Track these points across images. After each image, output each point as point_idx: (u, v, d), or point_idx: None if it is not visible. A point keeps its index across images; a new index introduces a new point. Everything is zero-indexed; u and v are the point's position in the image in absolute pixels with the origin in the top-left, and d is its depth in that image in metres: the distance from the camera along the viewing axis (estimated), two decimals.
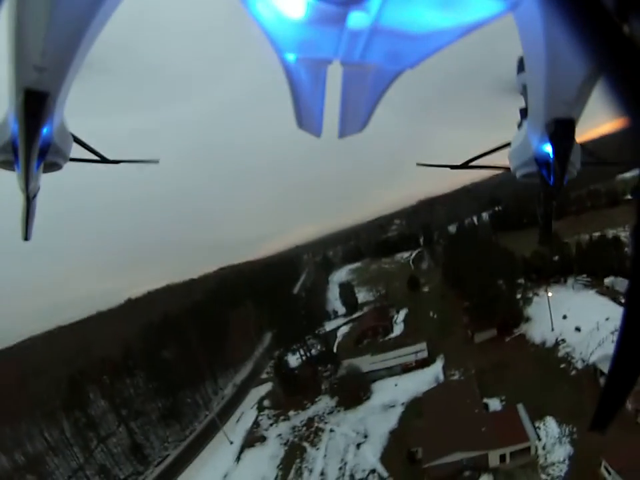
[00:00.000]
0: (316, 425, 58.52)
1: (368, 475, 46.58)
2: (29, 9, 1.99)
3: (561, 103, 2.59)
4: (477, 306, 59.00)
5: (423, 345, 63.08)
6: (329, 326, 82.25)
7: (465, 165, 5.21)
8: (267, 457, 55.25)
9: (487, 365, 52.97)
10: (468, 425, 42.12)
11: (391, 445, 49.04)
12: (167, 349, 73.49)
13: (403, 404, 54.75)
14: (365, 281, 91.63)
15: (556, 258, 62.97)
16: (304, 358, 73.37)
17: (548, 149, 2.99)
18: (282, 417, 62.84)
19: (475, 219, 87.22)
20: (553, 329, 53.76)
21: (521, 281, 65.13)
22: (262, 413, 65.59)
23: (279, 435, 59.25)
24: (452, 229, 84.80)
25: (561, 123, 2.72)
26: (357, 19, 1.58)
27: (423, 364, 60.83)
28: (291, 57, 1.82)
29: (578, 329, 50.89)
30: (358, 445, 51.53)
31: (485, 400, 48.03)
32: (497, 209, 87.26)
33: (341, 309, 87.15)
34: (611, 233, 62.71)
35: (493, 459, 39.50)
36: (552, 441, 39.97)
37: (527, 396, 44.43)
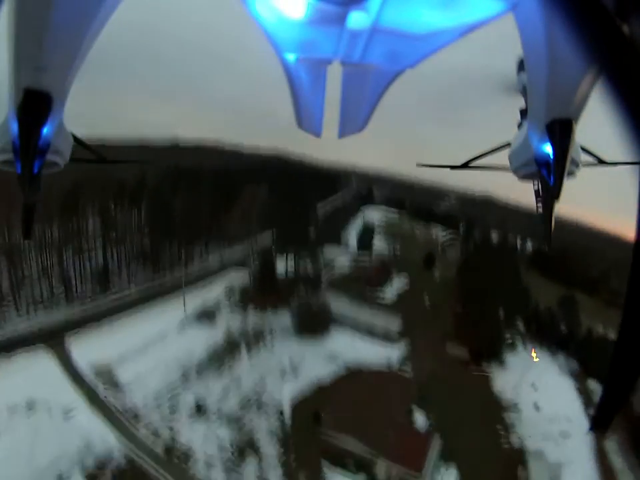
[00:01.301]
0: (263, 333, 58.56)
1: (271, 411, 46.42)
2: (29, 10, 2.00)
3: (561, 102, 2.57)
4: (467, 319, 55.11)
5: (397, 322, 60.42)
6: (333, 253, 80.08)
7: (465, 165, 5.26)
8: (204, 337, 55.71)
9: (441, 377, 50.17)
10: (380, 422, 40.53)
11: (308, 394, 48.61)
12: (177, 198, 72.82)
13: (345, 363, 53.69)
14: (389, 233, 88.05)
15: (563, 327, 57.16)
16: (291, 267, 72.11)
17: (548, 149, 2.96)
18: (240, 308, 62.82)
19: (519, 239, 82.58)
20: (515, 390, 50.11)
21: (519, 324, 60.16)
22: (227, 296, 65.59)
23: (228, 323, 59.48)
24: (494, 236, 79.75)
25: (561, 123, 2.68)
26: (357, 19, 1.59)
27: (387, 337, 58.65)
28: (291, 57, 1.84)
29: (537, 408, 47.25)
30: (283, 375, 51.34)
31: (414, 408, 46.09)
32: (542, 246, 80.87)
33: (353, 244, 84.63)
34: None
35: (380, 469, 38.36)
36: None
37: (450, 433, 42.11)
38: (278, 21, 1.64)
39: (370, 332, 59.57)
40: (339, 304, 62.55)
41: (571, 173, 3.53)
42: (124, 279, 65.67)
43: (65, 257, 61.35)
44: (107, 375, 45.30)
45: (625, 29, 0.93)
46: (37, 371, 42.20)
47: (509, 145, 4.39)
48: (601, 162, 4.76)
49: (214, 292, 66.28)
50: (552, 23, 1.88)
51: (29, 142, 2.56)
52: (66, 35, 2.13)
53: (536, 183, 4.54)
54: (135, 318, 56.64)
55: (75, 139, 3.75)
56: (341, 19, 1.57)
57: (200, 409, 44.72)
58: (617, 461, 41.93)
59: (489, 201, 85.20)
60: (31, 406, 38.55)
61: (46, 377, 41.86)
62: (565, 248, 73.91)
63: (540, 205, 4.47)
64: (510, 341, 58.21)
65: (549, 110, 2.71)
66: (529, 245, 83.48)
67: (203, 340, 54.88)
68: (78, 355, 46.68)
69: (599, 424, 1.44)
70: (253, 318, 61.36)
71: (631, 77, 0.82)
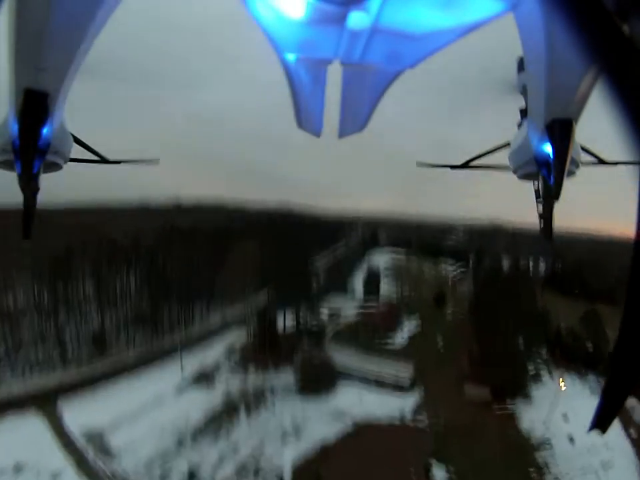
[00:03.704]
0: (264, 394, 55.08)
1: (270, 477, 42.43)
2: (29, 10, 1.97)
3: (561, 102, 2.58)
4: (484, 356, 49.88)
5: (409, 370, 55.36)
6: (338, 302, 76.40)
7: (465, 165, 5.27)
8: (202, 400, 52.97)
9: (460, 424, 44.52)
10: None
11: (312, 457, 44.04)
12: (174, 258, 71.53)
13: (353, 421, 48.78)
14: (397, 275, 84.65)
15: (589, 345, 51.37)
16: (293, 322, 68.64)
17: (548, 148, 2.97)
18: (241, 369, 59.74)
19: (531, 264, 79.64)
20: (546, 425, 44.53)
21: (542, 351, 54.49)
22: (227, 356, 62.80)
23: (228, 385, 56.38)
24: (506, 263, 77.07)
25: (561, 122, 2.71)
26: (357, 19, 1.59)
27: (398, 388, 53.36)
28: (291, 57, 1.82)
29: (571, 440, 42.17)
30: (284, 437, 46.74)
31: (432, 461, 40.27)
32: (556, 264, 79.95)
33: (359, 291, 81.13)
34: None
35: None
36: None
37: None
38: (278, 20, 1.60)
39: (379, 383, 54.73)
40: (344, 356, 58.72)
41: (571, 173, 3.48)
42: (122, 342, 63.96)
43: (60, 321, 60.70)
44: (99, 440, 43.97)
45: (625, 28, 0.91)
46: (27, 433, 41.81)
47: (508, 144, 4.38)
48: (601, 162, 4.70)
49: (214, 352, 63.65)
50: (552, 23, 1.88)
51: (28, 142, 2.54)
52: (65, 35, 2.10)
53: (536, 182, 4.44)
54: (131, 382, 54.78)
55: (75, 139, 3.71)
56: (341, 19, 1.54)
57: (193, 477, 41.96)
58: None
59: (496, 228, 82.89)
60: (18, 469, 38.30)
61: (35, 440, 41.34)
62: (579, 262, 71.04)
63: (540, 204, 4.43)
64: (534, 372, 52.94)
65: (548, 110, 2.67)
66: (542, 266, 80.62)
67: (200, 403, 52.12)
68: (70, 418, 45.80)
69: (599, 424, 1.41)
70: (254, 378, 57.93)
71: (631, 76, 0.81)
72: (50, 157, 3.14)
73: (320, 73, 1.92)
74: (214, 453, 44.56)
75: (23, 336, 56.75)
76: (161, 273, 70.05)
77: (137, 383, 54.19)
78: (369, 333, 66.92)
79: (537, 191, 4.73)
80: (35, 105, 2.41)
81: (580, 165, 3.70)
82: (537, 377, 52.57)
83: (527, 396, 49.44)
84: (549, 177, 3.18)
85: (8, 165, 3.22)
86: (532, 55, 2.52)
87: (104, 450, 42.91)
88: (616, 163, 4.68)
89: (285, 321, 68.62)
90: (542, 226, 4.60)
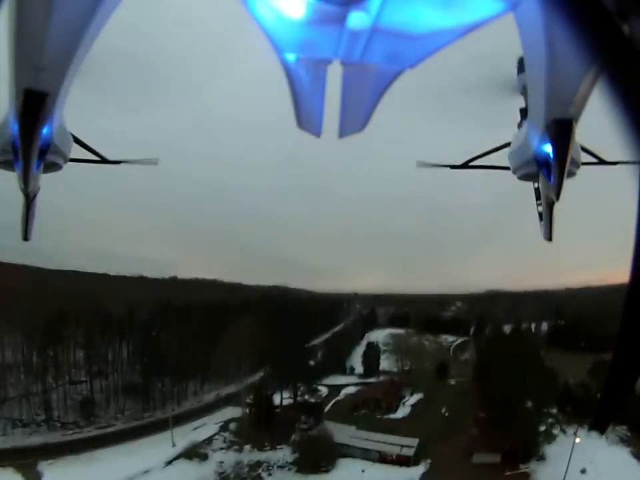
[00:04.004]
0: (259, 471, 52.49)
1: None
2: (29, 10, 2.00)
3: (561, 103, 2.57)
4: (492, 422, 47.80)
5: (414, 442, 52.56)
6: (337, 380, 74.63)
7: (465, 165, 5.29)
8: (195, 475, 50.57)
9: None
10: None
11: None
12: (169, 333, 70.83)
13: None
14: (398, 350, 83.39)
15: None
16: (291, 401, 66.73)
17: (548, 149, 2.96)
18: (236, 447, 56.86)
19: (533, 325, 79.36)
20: None
21: (553, 410, 53.00)
22: (221, 433, 59.93)
23: (221, 462, 53.80)
24: (507, 327, 75.52)
25: (561, 123, 2.69)
26: (357, 19, 1.59)
27: (403, 461, 50.35)
28: (291, 57, 1.82)
29: None
30: None
31: None
32: (558, 322, 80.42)
33: (359, 369, 79.79)
34: None
35: None
36: None
37: None
38: (278, 20, 1.61)
39: (383, 457, 51.79)
40: (345, 432, 56.16)
41: (571, 173, 3.45)
42: (111, 411, 62.51)
43: (48, 384, 59.67)
44: None
45: (625, 28, 0.90)
46: None
47: (508, 144, 4.35)
48: (601, 162, 4.68)
49: (207, 429, 61.05)
50: (552, 22, 1.94)
51: (29, 142, 2.52)
52: (65, 35, 2.13)
53: (536, 182, 4.45)
54: (119, 452, 52.36)
55: (75, 139, 3.68)
56: (341, 19, 1.56)
57: None
58: None
59: (495, 295, 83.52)
60: None
61: None
62: (580, 315, 71.70)
63: (540, 204, 4.40)
64: (546, 431, 50.81)
65: (549, 110, 2.69)
66: (544, 326, 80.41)
67: (191, 478, 49.98)
68: None
69: (599, 424, 1.45)
70: (249, 454, 55.31)
71: (631, 76, 0.81)
72: (50, 157, 3.16)
73: (320, 72, 1.95)
74: None
75: (8, 391, 55.47)
76: (154, 346, 69.15)
77: (124, 453, 51.46)
78: (370, 408, 64.74)
79: (536, 190, 4.78)
80: (35, 105, 2.43)
81: (580, 165, 3.72)
82: (549, 436, 50.45)
83: (540, 457, 47.09)
84: (549, 177, 3.20)
85: (8, 165, 3.24)
86: (532, 55, 2.53)
87: None
88: (616, 163, 4.73)
89: (282, 398, 66.59)
90: (542, 227, 4.66)
